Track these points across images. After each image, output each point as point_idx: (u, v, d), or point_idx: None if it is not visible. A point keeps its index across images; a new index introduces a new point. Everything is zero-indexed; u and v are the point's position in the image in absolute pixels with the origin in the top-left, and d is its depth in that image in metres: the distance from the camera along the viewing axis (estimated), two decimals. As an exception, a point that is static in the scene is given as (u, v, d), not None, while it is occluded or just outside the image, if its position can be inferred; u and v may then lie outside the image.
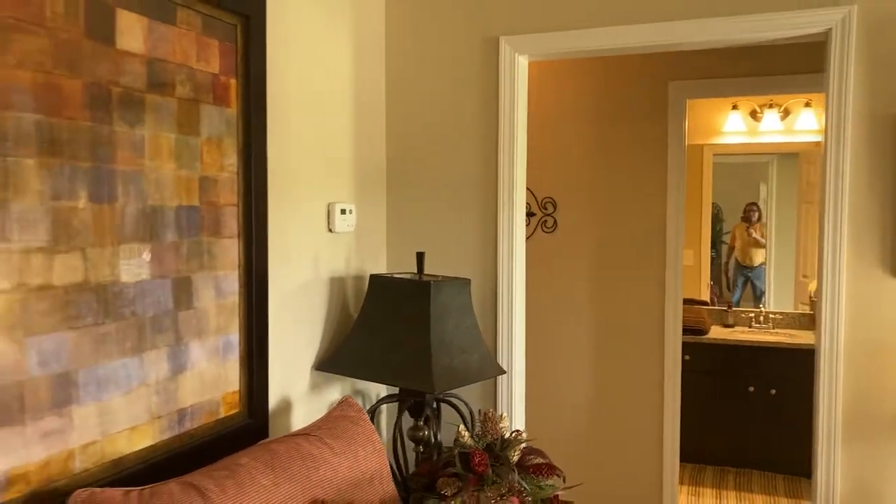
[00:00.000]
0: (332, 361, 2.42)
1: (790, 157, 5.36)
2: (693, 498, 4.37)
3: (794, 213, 5.43)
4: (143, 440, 1.74)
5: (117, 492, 1.48)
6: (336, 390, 2.58)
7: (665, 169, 3.71)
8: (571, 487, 2.70)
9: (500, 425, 2.36)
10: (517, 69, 2.68)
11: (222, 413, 2.00)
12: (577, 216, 3.85)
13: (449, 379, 2.27)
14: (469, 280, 2.48)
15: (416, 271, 2.69)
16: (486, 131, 2.72)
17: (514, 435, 2.34)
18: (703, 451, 4.83)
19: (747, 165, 5.33)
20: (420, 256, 2.49)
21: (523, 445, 2.33)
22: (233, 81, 1.99)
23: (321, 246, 2.47)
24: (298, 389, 2.37)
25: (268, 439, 1.95)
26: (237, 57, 2.00)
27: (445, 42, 2.75)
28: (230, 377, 2.02)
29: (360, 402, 2.76)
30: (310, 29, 2.36)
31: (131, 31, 1.67)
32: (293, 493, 1.70)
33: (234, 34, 1.99)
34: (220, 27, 1.94)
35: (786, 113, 5.08)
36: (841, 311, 2.34)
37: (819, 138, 5.09)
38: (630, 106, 3.72)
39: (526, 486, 2.23)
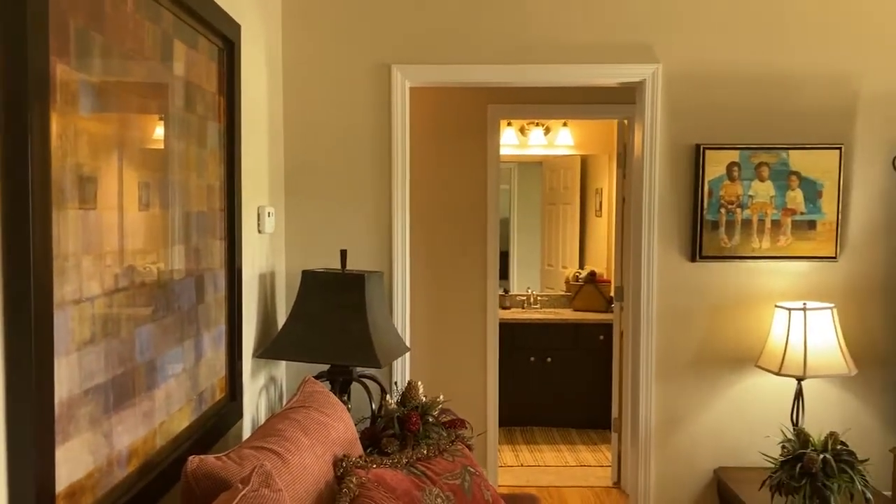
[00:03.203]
0: (274, 349, 2.70)
1: (552, 165, 6.47)
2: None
3: (547, 213, 6.57)
4: (185, 420, 1.94)
5: (214, 458, 1.72)
6: (263, 375, 2.85)
7: (485, 177, 4.41)
8: (479, 434, 3.27)
9: (420, 392, 2.85)
10: (406, 93, 3.16)
11: (217, 396, 2.23)
12: (415, 219, 4.39)
13: (387, 355, 2.71)
14: (383, 273, 2.92)
15: (334, 267, 3.01)
16: (380, 145, 3.15)
17: (432, 399, 2.84)
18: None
19: (508, 171, 6.33)
20: (343, 254, 2.87)
21: (440, 406, 2.85)
22: (221, 99, 2.22)
23: (255, 246, 2.73)
24: (246, 376, 2.61)
25: (280, 411, 2.22)
26: (223, 77, 2.23)
27: (341, 67, 3.13)
28: (220, 365, 2.25)
29: (285, 383, 3.04)
30: (252, 55, 2.61)
31: (180, 59, 1.88)
32: (323, 451, 2.04)
33: (222, 57, 2.22)
34: (216, 51, 2.17)
35: (547, 130, 6.13)
36: (654, 287, 3.20)
37: (573, 152, 6.24)
38: (458, 123, 4.36)
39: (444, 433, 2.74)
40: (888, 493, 3.13)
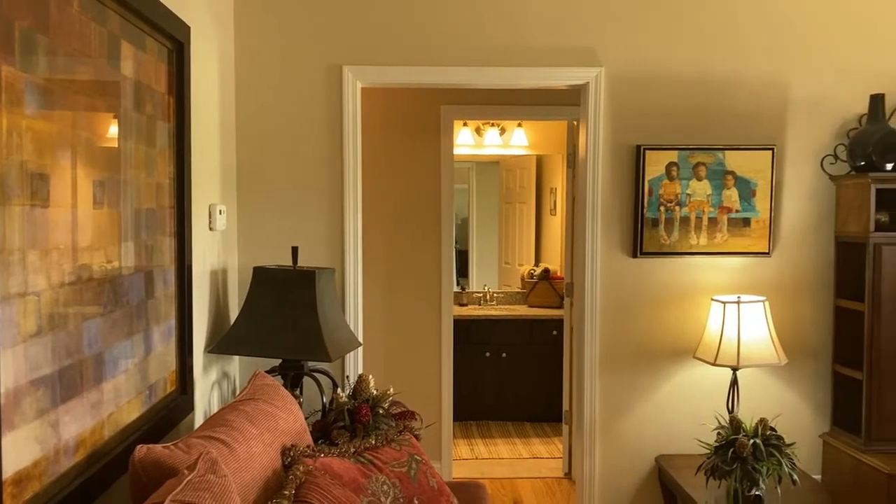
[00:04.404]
0: (225, 344, 2.75)
1: (508, 165, 6.59)
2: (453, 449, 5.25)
3: (503, 211, 6.69)
4: (134, 411, 1.99)
5: (161, 447, 1.78)
6: (215, 370, 2.90)
7: (439, 176, 4.50)
8: (430, 425, 3.34)
9: (371, 385, 2.93)
10: (357, 93, 3.23)
11: (168, 389, 2.28)
12: (372, 218, 4.46)
13: (337, 350, 2.78)
14: (334, 269, 2.99)
15: (286, 264, 3.07)
16: (332, 144, 3.22)
17: (382, 392, 2.91)
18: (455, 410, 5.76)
19: (466, 171, 6.43)
20: (294, 250, 2.93)
21: (390, 399, 2.93)
22: (171, 99, 2.27)
23: (206, 242, 2.77)
24: (197, 370, 2.66)
25: (231, 402, 2.27)
26: (172, 78, 2.28)
27: (293, 67, 3.19)
28: (171, 359, 2.30)
29: (238, 378, 3.09)
30: (203, 55, 2.66)
31: (128, 59, 1.92)
32: (272, 440, 2.11)
33: (171, 58, 2.27)
34: (165, 52, 2.21)
35: (503, 130, 6.24)
36: (597, 282, 3.32)
37: (528, 152, 6.36)
38: (413, 123, 4.44)
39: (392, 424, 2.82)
40: (818, 477, 3.30)
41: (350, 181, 3.23)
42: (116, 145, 1.87)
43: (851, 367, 3.20)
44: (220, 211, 2.87)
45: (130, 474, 1.69)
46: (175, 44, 2.28)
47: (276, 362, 2.87)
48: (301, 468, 2.06)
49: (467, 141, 6.11)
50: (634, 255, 3.30)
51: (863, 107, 3.20)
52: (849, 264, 3.23)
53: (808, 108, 3.29)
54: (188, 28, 2.38)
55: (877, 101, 3.14)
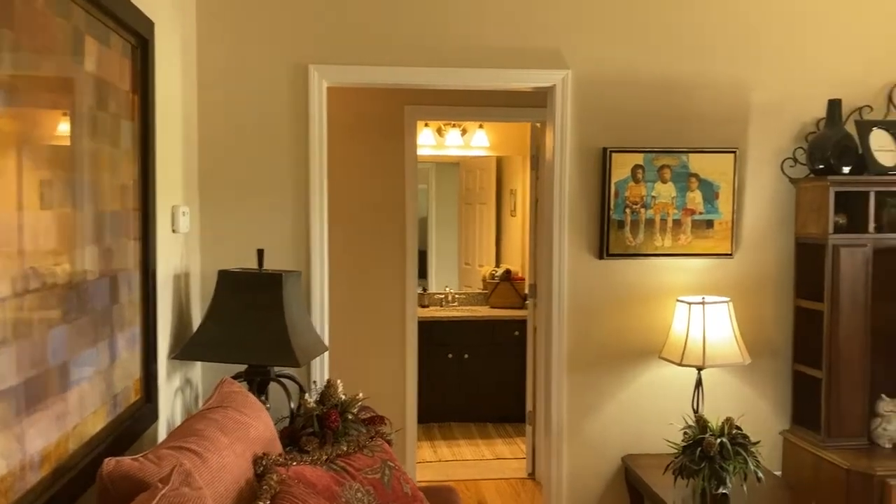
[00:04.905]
0: (190, 350, 2.67)
1: (468, 165, 6.58)
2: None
3: (466, 212, 6.69)
4: (100, 422, 1.92)
5: (130, 459, 1.71)
6: (178, 377, 2.81)
7: (403, 177, 4.47)
8: (398, 431, 3.30)
9: (339, 390, 2.88)
10: (324, 92, 3.18)
11: (133, 398, 2.20)
12: (334, 218, 4.39)
13: (305, 354, 2.72)
14: (300, 272, 2.93)
15: (251, 267, 2.99)
16: (298, 144, 3.16)
17: (351, 396, 2.87)
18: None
19: (426, 171, 6.40)
20: (260, 253, 2.86)
21: (360, 404, 2.89)
22: (135, 97, 2.19)
23: (169, 246, 2.69)
24: (161, 377, 2.58)
25: (199, 411, 2.20)
26: (136, 75, 2.20)
27: (258, 66, 3.12)
28: (135, 366, 2.22)
29: (201, 385, 3.01)
30: (166, 53, 2.58)
31: (91, 55, 1.85)
32: (243, 450, 2.05)
33: (136, 54, 2.19)
34: (129, 48, 2.14)
35: (464, 131, 6.23)
36: (564, 283, 3.33)
37: (488, 153, 6.37)
38: (376, 124, 4.40)
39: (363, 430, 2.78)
40: (779, 473, 3.37)
41: (316, 182, 3.18)
42: (72, 144, 1.78)
43: (811, 366, 3.27)
44: (184, 213, 2.79)
45: (98, 489, 1.62)
46: (139, 40, 2.21)
47: (241, 368, 2.80)
48: (275, 477, 2.01)
49: (428, 142, 6.08)
50: (601, 257, 3.32)
51: (821, 111, 3.28)
52: (808, 265, 3.30)
53: (769, 113, 3.35)
54: (152, 23, 2.30)
55: (834, 105, 3.22)
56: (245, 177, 3.15)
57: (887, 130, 3.21)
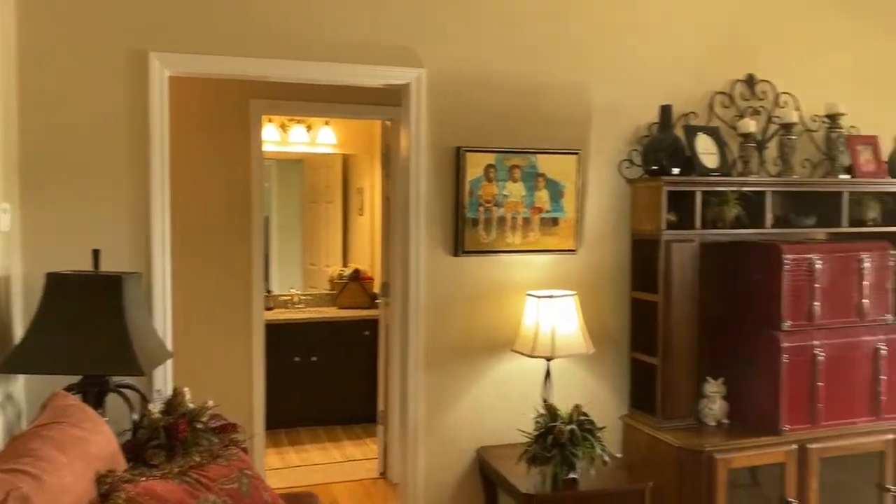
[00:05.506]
0: (13, 362, 2.41)
1: (313, 163, 6.45)
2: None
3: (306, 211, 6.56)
4: None
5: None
6: None
7: (248, 174, 4.29)
8: (251, 437, 3.13)
9: (187, 399, 2.72)
10: (165, 82, 2.98)
11: (-52, 419, 1.94)
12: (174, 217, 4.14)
13: (149, 362, 2.54)
14: (141, 274, 2.73)
15: (84, 269, 2.73)
16: (136, 137, 2.94)
17: (200, 405, 2.71)
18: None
19: (268, 168, 6.22)
20: (96, 253, 2.63)
21: (209, 412, 2.74)
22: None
23: (-14, 246, 2.41)
24: (-21, 394, 2.30)
25: (28, 429, 1.97)
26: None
27: (92, 52, 2.86)
28: (-50, 382, 1.96)
29: (25, 401, 2.71)
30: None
31: None
32: (84, 468, 1.87)
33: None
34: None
35: (310, 128, 6.11)
36: (421, 281, 3.35)
37: (335, 151, 6.28)
38: (220, 117, 4.19)
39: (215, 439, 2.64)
40: (620, 455, 3.59)
41: (157, 177, 2.97)
42: None
43: (646, 353, 3.50)
44: (4, 210, 2.51)
45: (-88, 524, 1.41)
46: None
47: (74, 380, 2.56)
48: (122, 496, 1.86)
49: (272, 137, 5.90)
50: (456, 254, 3.37)
51: (654, 115, 3.52)
52: (643, 259, 3.53)
53: (608, 116, 3.55)
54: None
55: (666, 110, 3.47)
56: (76, 171, 2.88)
57: (710, 135, 3.51)
